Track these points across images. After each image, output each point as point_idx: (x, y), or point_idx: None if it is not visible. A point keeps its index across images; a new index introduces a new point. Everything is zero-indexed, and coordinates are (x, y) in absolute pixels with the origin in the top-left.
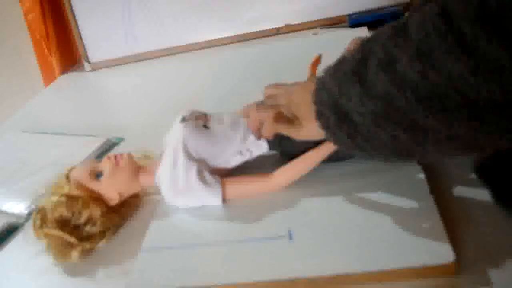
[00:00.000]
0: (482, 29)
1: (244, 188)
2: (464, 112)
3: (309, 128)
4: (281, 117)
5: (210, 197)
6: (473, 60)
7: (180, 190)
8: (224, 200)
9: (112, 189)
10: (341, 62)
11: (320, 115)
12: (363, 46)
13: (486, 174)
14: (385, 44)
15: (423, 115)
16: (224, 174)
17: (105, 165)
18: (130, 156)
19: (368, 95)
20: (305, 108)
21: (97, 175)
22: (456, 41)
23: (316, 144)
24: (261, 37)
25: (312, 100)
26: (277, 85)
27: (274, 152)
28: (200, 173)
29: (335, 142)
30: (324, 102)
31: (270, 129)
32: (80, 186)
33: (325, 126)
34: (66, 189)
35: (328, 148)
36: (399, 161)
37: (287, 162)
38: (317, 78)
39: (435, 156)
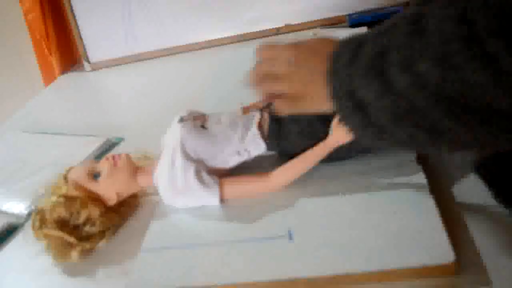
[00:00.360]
0: (503, 42)
1: (243, 188)
2: (484, 118)
3: (319, 103)
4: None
5: (208, 198)
6: (493, 71)
7: (178, 191)
8: (222, 200)
9: (110, 189)
10: (356, 50)
11: (335, 98)
12: (381, 37)
13: (487, 173)
14: (403, 43)
15: (442, 117)
16: (223, 174)
17: (103, 165)
18: (128, 156)
19: (388, 93)
20: (315, 86)
21: (95, 175)
22: (477, 51)
23: (314, 144)
24: (261, 37)
25: (327, 81)
26: (274, 47)
27: (272, 152)
28: (198, 174)
29: (345, 125)
30: (338, 87)
31: (287, 106)
32: (78, 186)
33: (340, 112)
34: (64, 190)
35: (326, 148)
36: (407, 151)
37: (285, 162)
38: (330, 59)
39: (449, 152)
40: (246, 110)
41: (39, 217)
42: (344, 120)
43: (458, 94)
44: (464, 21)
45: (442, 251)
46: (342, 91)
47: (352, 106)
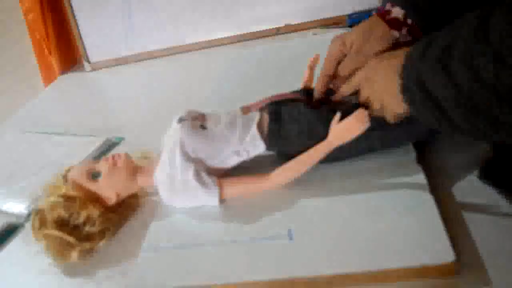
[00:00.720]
0: None
1: (242, 188)
2: None
3: (393, 104)
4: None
5: (207, 198)
6: None
7: (177, 191)
8: (221, 200)
9: (109, 189)
10: (428, 44)
11: (407, 89)
12: (449, 33)
13: (494, 175)
14: (467, 40)
15: (497, 110)
16: (222, 174)
17: (103, 165)
18: (127, 156)
19: (452, 85)
20: (389, 84)
21: (95, 175)
22: None
23: (314, 144)
24: (261, 37)
25: (399, 74)
26: (355, 69)
27: (271, 152)
28: (197, 174)
29: (418, 117)
30: (411, 78)
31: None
32: (77, 186)
33: (411, 100)
34: (63, 190)
35: (326, 148)
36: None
37: (284, 162)
38: (406, 55)
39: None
40: (246, 110)
41: (38, 217)
42: (415, 110)
43: (510, 90)
44: None
45: (442, 251)
46: (413, 83)
47: (423, 97)
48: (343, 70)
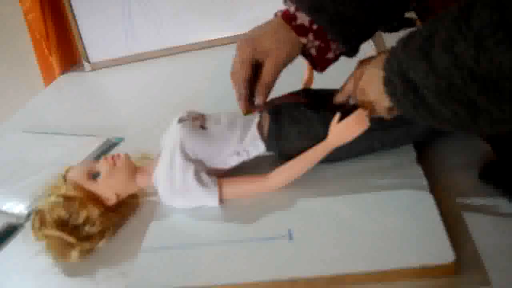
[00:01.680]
0: None
1: (241, 189)
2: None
3: (380, 100)
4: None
5: (207, 198)
6: None
7: (177, 191)
8: (221, 200)
9: (109, 189)
10: (411, 36)
11: (388, 82)
12: (431, 24)
13: (494, 175)
14: (449, 27)
15: (477, 95)
16: (222, 175)
17: (102, 165)
18: (127, 156)
19: (432, 72)
20: (375, 80)
21: (95, 175)
22: (506, 35)
23: (314, 145)
24: None
25: (383, 67)
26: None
27: (271, 152)
28: (197, 174)
29: (399, 109)
30: (394, 70)
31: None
32: (77, 186)
33: (392, 92)
34: (63, 190)
35: (325, 148)
36: (458, 131)
37: (284, 163)
38: (390, 48)
39: (491, 132)
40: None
41: (38, 217)
42: (397, 102)
43: (489, 74)
44: (498, 8)
45: (442, 251)
46: (395, 74)
47: (404, 88)
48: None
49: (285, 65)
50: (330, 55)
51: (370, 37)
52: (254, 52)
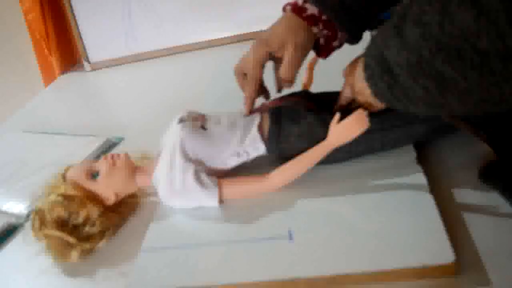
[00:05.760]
0: None
1: (241, 189)
2: (475, 62)
3: (364, 88)
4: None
5: (207, 198)
6: (476, 10)
7: (176, 191)
8: (221, 201)
9: (108, 189)
10: (388, 20)
11: (367, 67)
12: (406, 2)
13: (494, 176)
14: (420, 1)
15: (443, 65)
16: (222, 175)
17: (101, 165)
18: (127, 156)
19: (404, 47)
20: (358, 71)
21: (94, 175)
22: None
23: (313, 145)
24: None
25: (364, 54)
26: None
27: (271, 153)
28: (197, 174)
29: (375, 93)
30: (372, 54)
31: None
32: (76, 186)
33: (370, 76)
34: (62, 189)
35: (325, 149)
36: (433, 114)
37: (284, 163)
38: (371, 34)
39: (463, 111)
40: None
41: (38, 217)
42: (374, 86)
43: (452, 39)
44: None
45: (442, 251)
46: (372, 58)
47: (380, 70)
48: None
49: (303, 54)
50: (336, 43)
51: (372, 25)
52: (270, 50)
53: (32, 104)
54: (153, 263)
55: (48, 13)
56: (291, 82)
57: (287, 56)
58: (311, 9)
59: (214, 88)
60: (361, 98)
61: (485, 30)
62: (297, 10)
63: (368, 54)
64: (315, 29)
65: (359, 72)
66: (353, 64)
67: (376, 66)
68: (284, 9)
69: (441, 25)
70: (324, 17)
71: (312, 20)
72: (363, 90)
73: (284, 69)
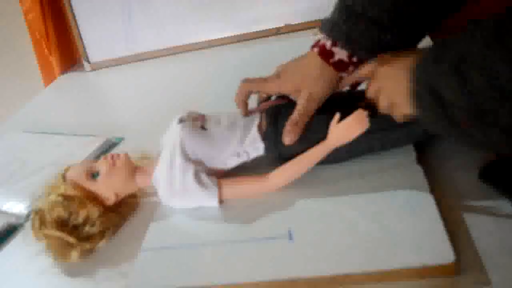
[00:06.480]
0: None
1: (241, 189)
2: None
3: (402, 106)
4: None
5: (207, 199)
6: None
7: (176, 191)
8: (220, 201)
9: (108, 189)
10: (441, 51)
11: (416, 94)
12: (463, 40)
13: (494, 176)
14: (484, 45)
15: (508, 115)
16: (221, 175)
17: (101, 165)
18: (127, 156)
19: (465, 90)
20: (400, 85)
21: (94, 175)
22: None
23: (312, 146)
24: (261, 37)
25: (408, 75)
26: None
27: (270, 153)
28: (197, 175)
29: (423, 120)
30: (423, 83)
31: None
32: (76, 186)
33: (419, 105)
34: (62, 189)
35: (325, 149)
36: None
37: (284, 163)
38: (418, 59)
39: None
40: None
41: (38, 217)
42: (422, 115)
43: None
44: None
45: (442, 251)
46: (424, 87)
47: (432, 102)
48: None
49: (318, 104)
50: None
51: None
52: (279, 92)
53: (32, 104)
54: (153, 263)
55: (48, 13)
56: (291, 140)
57: (299, 105)
58: (340, 54)
59: (214, 88)
60: (381, 98)
61: None
62: (324, 54)
63: (418, 81)
64: (344, 74)
65: (402, 89)
66: (386, 62)
67: (428, 97)
68: (311, 48)
69: (510, 80)
70: (355, 60)
71: (340, 67)
72: (400, 107)
73: (290, 121)
